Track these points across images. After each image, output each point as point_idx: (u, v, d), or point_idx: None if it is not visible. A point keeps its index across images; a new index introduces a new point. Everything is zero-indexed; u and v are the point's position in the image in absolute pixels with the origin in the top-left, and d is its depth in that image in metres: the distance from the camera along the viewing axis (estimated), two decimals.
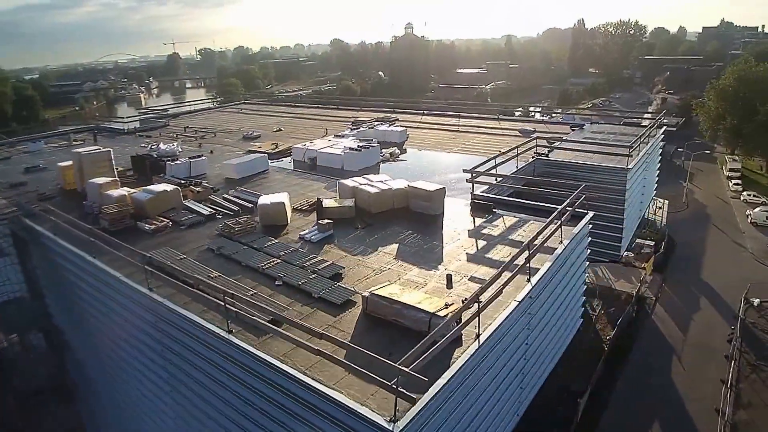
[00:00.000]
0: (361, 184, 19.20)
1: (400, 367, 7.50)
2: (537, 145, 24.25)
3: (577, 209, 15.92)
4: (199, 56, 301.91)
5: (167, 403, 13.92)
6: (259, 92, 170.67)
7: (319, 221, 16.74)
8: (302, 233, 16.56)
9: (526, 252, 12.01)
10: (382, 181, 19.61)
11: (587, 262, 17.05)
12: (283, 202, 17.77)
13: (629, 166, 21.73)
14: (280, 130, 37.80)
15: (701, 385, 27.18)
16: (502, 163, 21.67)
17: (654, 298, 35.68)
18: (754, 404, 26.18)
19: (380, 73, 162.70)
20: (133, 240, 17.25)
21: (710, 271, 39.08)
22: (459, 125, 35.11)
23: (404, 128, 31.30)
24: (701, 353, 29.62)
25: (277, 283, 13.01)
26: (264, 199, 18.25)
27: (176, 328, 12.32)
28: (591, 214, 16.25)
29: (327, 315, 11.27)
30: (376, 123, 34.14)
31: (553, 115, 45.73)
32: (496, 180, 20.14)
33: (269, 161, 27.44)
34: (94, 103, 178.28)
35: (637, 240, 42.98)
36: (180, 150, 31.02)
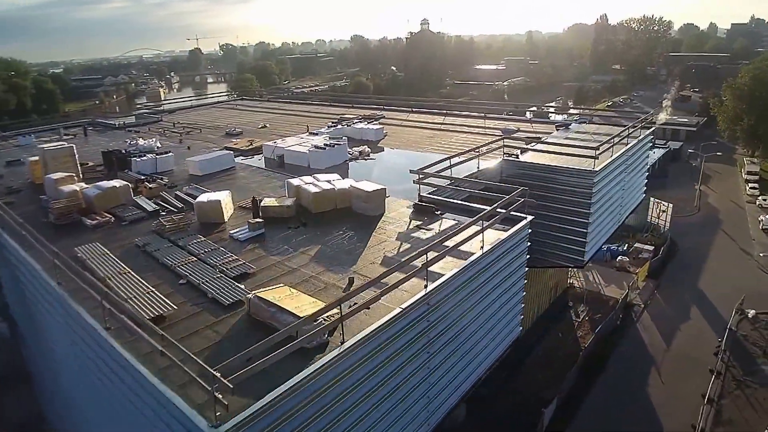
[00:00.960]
0: (305, 183, 19.14)
1: (214, 372, 7.42)
2: (505, 146, 23.78)
3: (514, 212, 15.59)
4: (221, 52, 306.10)
5: (96, 394, 13.99)
6: (275, 88, 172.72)
7: (249, 220, 16.75)
8: (232, 232, 16.61)
9: (424, 256, 11.76)
10: (328, 181, 19.51)
11: (525, 269, 16.58)
12: (220, 200, 17.83)
13: (596, 169, 21.14)
14: (265, 126, 38.01)
15: (680, 399, 26.36)
16: (462, 162, 21.37)
17: (643, 306, 34.78)
18: (735, 421, 25.31)
19: (393, 68, 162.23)
20: (75, 234, 17.70)
21: (709, 280, 37.91)
22: (443, 124, 34.77)
23: (381, 126, 31.14)
24: (684, 365, 28.74)
25: (180, 281, 13.06)
26: (202, 197, 18.37)
27: (78, 322, 12.48)
28: (529, 219, 15.80)
29: (211, 316, 11.24)
30: (357, 120, 34.02)
31: (550, 114, 44.89)
32: (450, 182, 19.79)
33: (242, 159, 27.79)
34: (114, 97, 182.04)
35: (636, 244, 42.14)
36: (158, 146, 31.38)
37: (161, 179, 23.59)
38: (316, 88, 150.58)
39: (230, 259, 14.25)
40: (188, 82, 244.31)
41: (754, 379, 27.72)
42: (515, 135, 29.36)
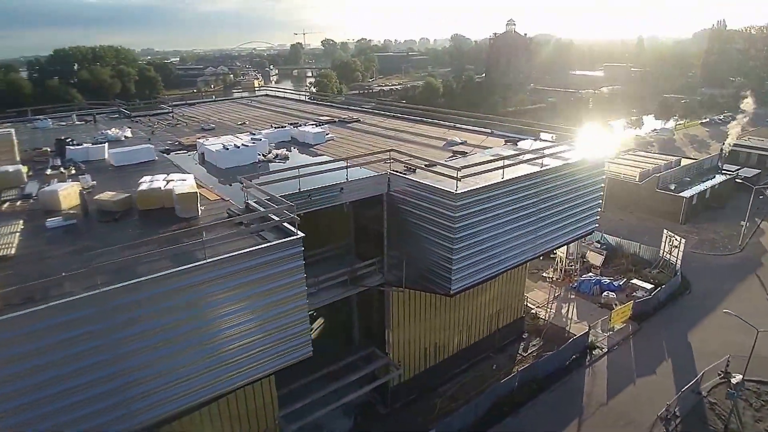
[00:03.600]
0: (150, 181, 20.39)
1: None
2: (391, 159, 23.44)
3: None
4: (322, 47, 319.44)
5: None
6: (357, 85, 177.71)
7: (62, 211, 18.39)
8: (49, 219, 18.26)
9: None
10: (183, 180, 20.60)
11: (303, 288, 16.55)
12: (57, 190, 19.61)
13: (457, 191, 20.23)
14: (244, 123, 39.93)
15: None
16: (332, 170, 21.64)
17: (605, 350, 32.02)
18: None
19: (468, 66, 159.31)
20: None
21: (706, 333, 33.88)
22: (414, 134, 34.31)
23: (323, 131, 31.56)
24: (612, 428, 26.11)
25: None
26: (52, 187, 20.24)
27: None
28: (299, 235, 15.90)
29: None
30: (310, 124, 34.95)
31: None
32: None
33: (186, 153, 29.69)
34: (212, 86, 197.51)
35: (633, 281, 38.88)
36: (126, 137, 34.51)
37: (76, 167, 26.16)
38: (395, 87, 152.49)
39: None
40: (286, 75, 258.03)
41: None
42: (453, 147, 28.74)
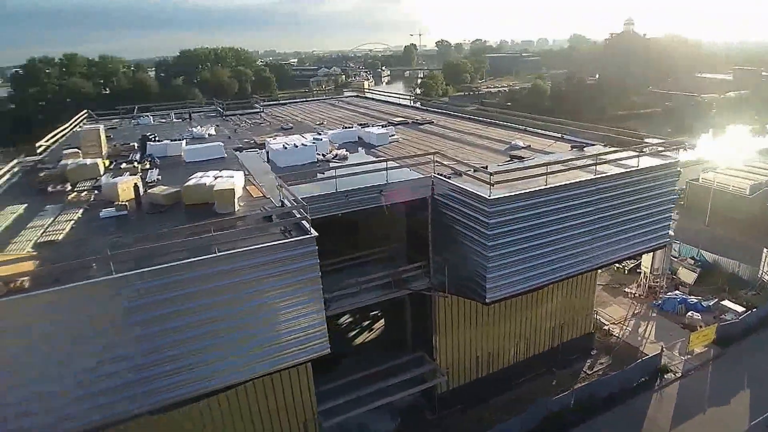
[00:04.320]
0: (200, 177, 21.88)
1: None
2: (434, 162, 23.18)
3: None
4: (436, 48, 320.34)
5: None
6: (466, 86, 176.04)
7: (117, 203, 20.32)
8: (105, 209, 20.28)
9: None
10: (231, 177, 21.97)
11: (319, 286, 17.03)
12: (116, 183, 21.68)
13: (491, 196, 19.62)
14: (321, 123, 41.32)
15: None
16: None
17: (679, 374, 29.24)
18: None
19: (585, 67, 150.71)
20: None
21: None
22: (473, 133, 33.70)
23: (387, 132, 31.84)
24: None
25: None
26: (114, 180, 22.38)
27: None
28: (313, 235, 16.37)
29: None
30: (378, 124, 35.38)
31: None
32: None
33: (257, 152, 31.48)
34: (323, 86, 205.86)
35: (724, 302, 35.34)
36: (210, 134, 37.22)
37: (151, 162, 28.71)
38: (502, 89, 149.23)
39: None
40: (398, 76, 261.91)
41: None
42: (513, 151, 27.82)
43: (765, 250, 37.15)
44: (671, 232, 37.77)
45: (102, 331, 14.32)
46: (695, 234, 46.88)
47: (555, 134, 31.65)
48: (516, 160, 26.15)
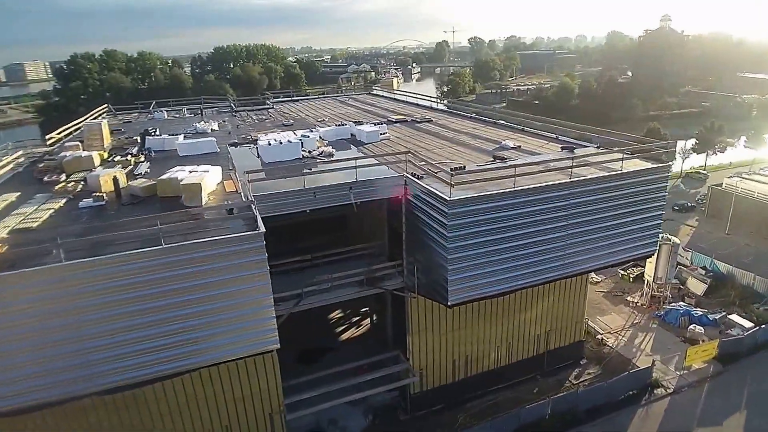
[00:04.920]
0: (177, 171, 22.67)
1: None
2: (407, 161, 23.39)
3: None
4: (469, 45, 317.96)
5: None
6: (494, 83, 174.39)
7: (95, 194, 21.29)
8: (84, 200, 21.25)
9: None
10: (206, 171, 22.69)
11: (267, 281, 17.46)
12: (98, 175, 22.64)
13: (451, 197, 19.74)
14: (323, 120, 41.90)
15: None
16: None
17: (671, 390, 28.63)
18: None
19: (623, 65, 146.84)
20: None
21: None
22: (469, 132, 33.71)
23: (377, 130, 32.11)
24: None
25: None
26: (97, 173, 23.40)
27: None
28: (261, 231, 16.83)
29: None
30: (376, 121, 35.68)
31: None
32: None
33: (249, 147, 32.24)
34: (352, 83, 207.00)
35: (731, 316, 34.32)
36: (212, 130, 38.20)
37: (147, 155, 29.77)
38: (531, 87, 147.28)
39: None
40: (429, 73, 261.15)
41: None
42: (499, 152, 27.81)
43: None
44: (677, 239, 37.19)
45: (47, 314, 15.14)
46: (714, 242, 45.66)
47: (551, 135, 31.43)
48: (498, 161, 26.14)
